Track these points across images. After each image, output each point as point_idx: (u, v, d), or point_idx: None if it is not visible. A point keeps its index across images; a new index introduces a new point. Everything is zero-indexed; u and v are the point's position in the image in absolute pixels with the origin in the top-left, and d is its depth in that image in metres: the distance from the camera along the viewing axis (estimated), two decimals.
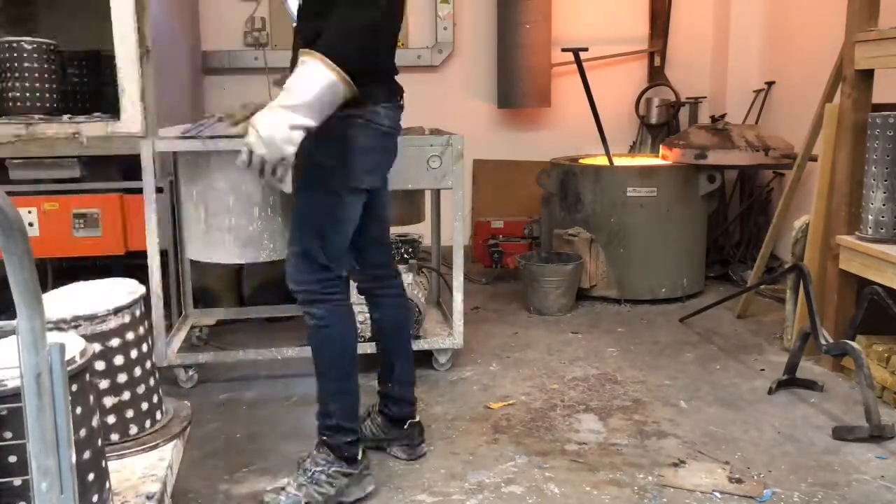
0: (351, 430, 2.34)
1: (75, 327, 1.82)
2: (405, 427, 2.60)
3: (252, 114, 2.04)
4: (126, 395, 1.92)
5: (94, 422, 1.48)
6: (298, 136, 2.00)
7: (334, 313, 2.32)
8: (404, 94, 2.41)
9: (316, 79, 1.98)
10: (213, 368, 3.41)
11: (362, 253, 2.51)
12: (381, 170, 2.40)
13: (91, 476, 1.44)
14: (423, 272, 3.67)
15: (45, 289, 1.74)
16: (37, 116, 3.64)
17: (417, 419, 2.64)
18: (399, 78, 2.40)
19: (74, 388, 1.39)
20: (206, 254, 3.18)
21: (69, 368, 1.32)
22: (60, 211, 3.60)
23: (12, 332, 1.07)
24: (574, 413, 2.95)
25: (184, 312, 3.71)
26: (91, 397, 1.48)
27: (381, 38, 2.21)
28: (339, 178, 2.25)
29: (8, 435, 1.29)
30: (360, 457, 2.35)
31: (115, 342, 1.88)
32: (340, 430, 2.32)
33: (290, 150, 1.99)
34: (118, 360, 1.89)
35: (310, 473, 2.29)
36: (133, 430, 1.92)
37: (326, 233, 2.27)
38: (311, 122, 2.00)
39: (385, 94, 2.29)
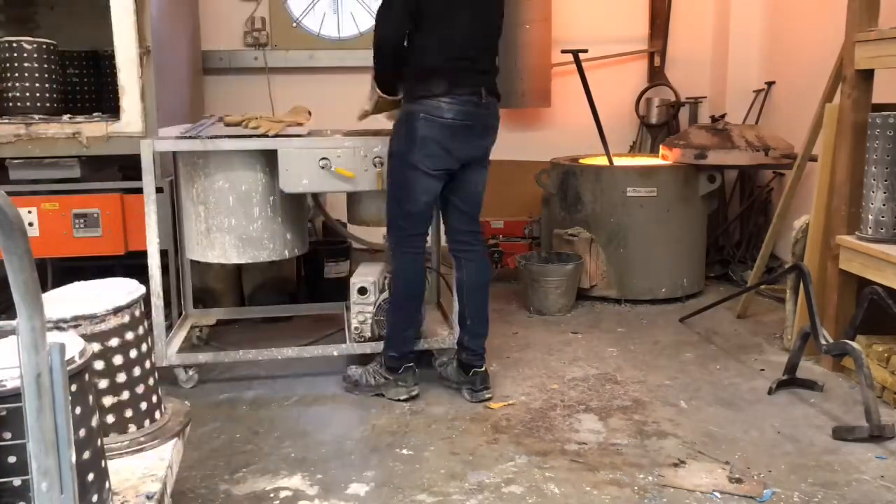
0: (393, 348, 3.09)
1: (75, 327, 1.81)
2: (470, 374, 3.11)
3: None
4: (125, 395, 1.92)
5: (94, 422, 1.48)
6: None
7: (403, 261, 3.04)
8: (483, 90, 2.95)
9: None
10: (213, 368, 3.41)
11: (446, 220, 3.18)
12: (446, 155, 2.93)
13: (91, 476, 1.44)
14: None
15: (45, 289, 1.74)
16: (37, 116, 3.64)
17: (483, 369, 3.13)
18: None
19: (74, 388, 1.39)
20: (206, 254, 3.18)
21: (69, 368, 1.31)
22: (60, 211, 3.60)
23: (12, 332, 1.07)
24: (574, 413, 2.95)
25: (184, 312, 3.71)
26: (90, 397, 1.48)
27: (428, 44, 2.90)
28: (404, 160, 2.92)
29: (8, 435, 1.29)
30: (400, 371, 3.07)
31: (114, 342, 1.88)
32: (387, 345, 3.12)
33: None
34: (117, 359, 1.89)
35: (368, 366, 3.16)
36: (132, 429, 1.92)
37: (399, 200, 2.98)
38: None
39: (444, 88, 2.85)
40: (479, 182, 3.16)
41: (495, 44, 3.10)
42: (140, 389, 1.95)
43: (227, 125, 3.16)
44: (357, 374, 3.16)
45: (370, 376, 3.12)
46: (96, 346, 1.83)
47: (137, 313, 1.97)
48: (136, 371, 1.94)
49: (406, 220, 3.00)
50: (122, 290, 1.96)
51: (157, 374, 2.05)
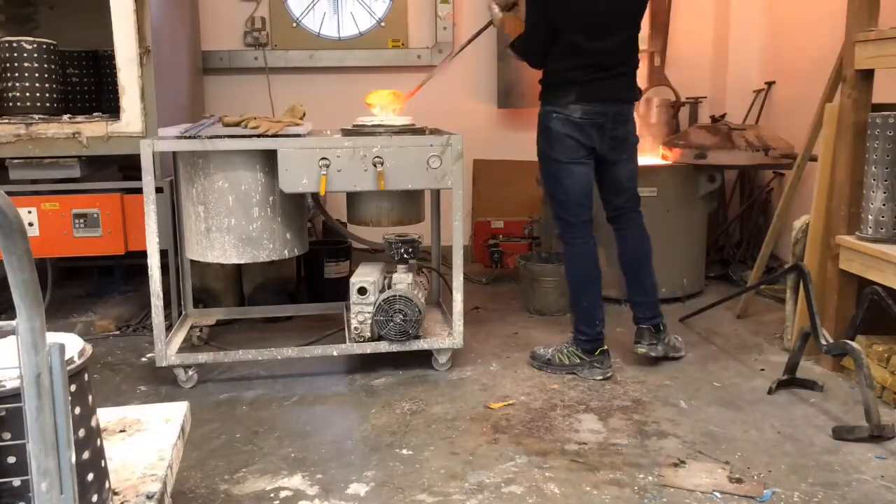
0: (583, 332, 3.30)
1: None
2: (644, 326, 3.44)
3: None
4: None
5: (94, 422, 1.48)
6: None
7: (571, 251, 3.34)
8: (598, 96, 3.23)
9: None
10: (213, 368, 3.41)
11: (605, 198, 3.48)
12: (580, 147, 3.25)
13: (90, 476, 1.44)
14: (423, 272, 3.67)
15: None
16: (37, 116, 3.64)
17: (646, 326, 3.43)
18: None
19: (74, 388, 1.38)
20: (206, 254, 3.18)
21: (68, 368, 1.31)
22: (60, 211, 3.60)
23: (12, 332, 1.07)
24: (574, 413, 2.96)
25: (184, 312, 3.71)
26: (90, 397, 1.48)
27: (566, 56, 3.23)
28: (549, 154, 3.34)
29: (7, 435, 1.29)
30: (595, 353, 3.27)
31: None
32: (577, 330, 3.32)
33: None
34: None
35: (560, 346, 3.37)
36: None
37: (554, 194, 3.35)
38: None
39: (575, 96, 3.21)
40: (621, 162, 3.38)
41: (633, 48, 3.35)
42: None
43: (226, 125, 3.16)
44: (548, 353, 3.34)
45: (564, 356, 3.30)
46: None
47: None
48: None
49: (566, 211, 3.31)
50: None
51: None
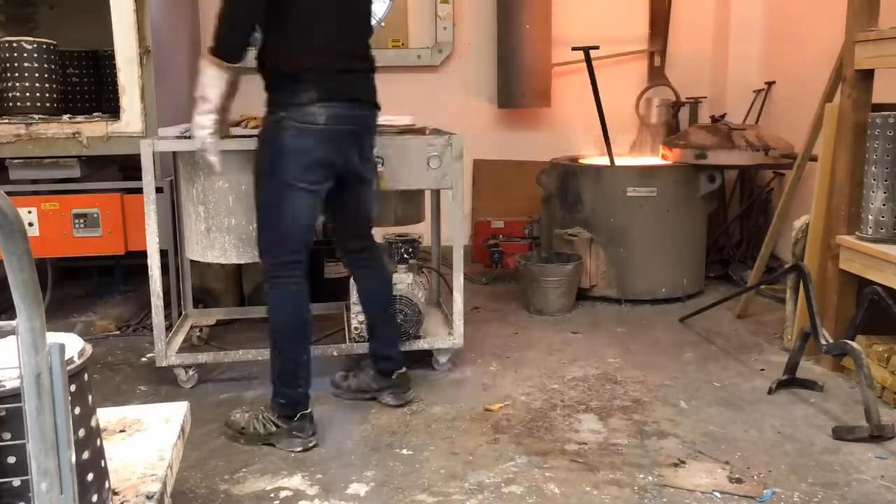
0: (282, 394, 2.70)
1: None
2: (393, 377, 3.02)
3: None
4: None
5: (93, 422, 1.48)
6: (206, 119, 2.61)
7: (277, 294, 2.65)
8: (361, 92, 2.70)
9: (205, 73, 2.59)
10: (213, 368, 3.41)
11: (337, 235, 2.99)
12: (324, 166, 2.61)
13: (90, 476, 1.44)
14: (423, 272, 3.67)
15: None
16: (37, 116, 3.64)
17: (404, 370, 3.04)
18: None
19: (73, 388, 1.38)
20: (206, 254, 3.18)
21: (68, 368, 1.31)
22: (60, 211, 3.60)
23: (12, 332, 1.07)
24: (574, 413, 2.95)
25: (184, 312, 3.71)
26: (90, 397, 1.48)
27: (303, 42, 2.54)
28: (274, 177, 2.58)
29: (7, 436, 1.29)
30: (295, 419, 2.68)
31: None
32: (276, 391, 2.71)
33: (201, 133, 2.62)
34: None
35: (255, 413, 2.74)
36: None
37: (268, 225, 2.64)
38: (211, 105, 2.59)
39: (317, 93, 2.52)
40: (359, 192, 2.86)
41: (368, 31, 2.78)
42: None
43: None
44: (243, 419, 2.73)
45: (259, 423, 2.69)
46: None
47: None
48: None
49: (275, 247, 2.65)
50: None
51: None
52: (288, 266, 2.63)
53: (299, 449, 2.66)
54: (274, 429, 2.69)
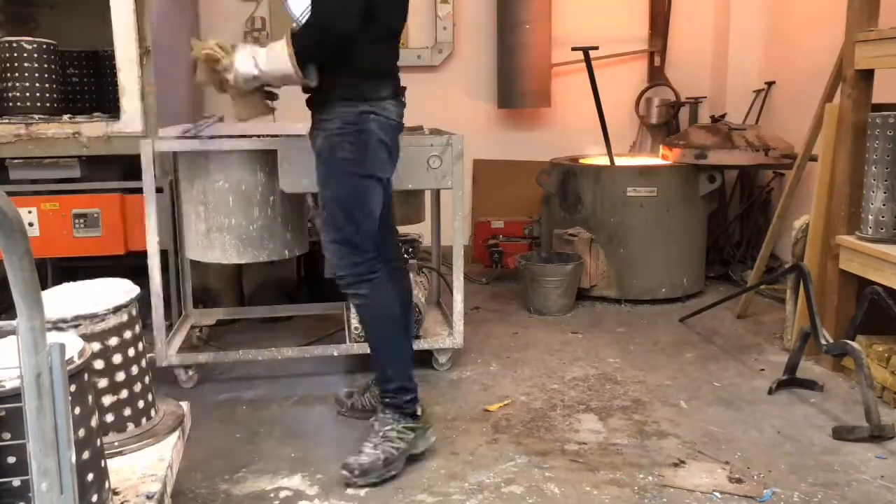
0: (410, 389, 2.58)
1: (75, 326, 1.82)
2: (421, 414, 2.73)
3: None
4: (124, 394, 1.92)
5: (93, 422, 1.48)
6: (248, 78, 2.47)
7: (376, 290, 2.53)
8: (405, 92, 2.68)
9: (280, 61, 2.40)
10: (213, 368, 3.41)
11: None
12: (393, 161, 2.60)
13: (90, 476, 1.44)
14: (423, 272, 3.67)
15: (45, 289, 1.75)
16: (37, 116, 3.64)
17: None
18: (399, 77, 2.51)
19: (73, 388, 1.39)
20: (206, 254, 3.18)
21: (68, 369, 1.31)
22: (60, 211, 3.59)
23: (12, 332, 1.07)
24: (574, 413, 2.95)
25: (184, 312, 3.71)
26: (90, 397, 1.48)
27: (372, 42, 2.45)
28: (361, 167, 2.47)
29: (7, 435, 1.29)
30: (419, 412, 2.59)
31: (113, 341, 1.89)
32: (401, 390, 2.56)
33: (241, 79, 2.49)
34: (117, 358, 1.90)
35: (381, 433, 2.51)
36: (130, 427, 1.93)
37: (358, 218, 2.48)
38: (262, 78, 2.47)
39: (390, 90, 2.51)
40: (392, 197, 2.81)
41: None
42: (137, 388, 1.96)
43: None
44: (376, 453, 2.46)
45: (396, 441, 2.49)
46: (96, 346, 1.83)
47: (134, 312, 1.98)
48: (134, 370, 1.95)
49: (365, 241, 2.51)
50: (118, 289, 1.97)
51: (151, 374, 2.06)
52: (377, 261, 2.53)
53: (433, 438, 2.60)
54: (412, 434, 2.52)
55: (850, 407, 2.96)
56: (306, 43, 2.37)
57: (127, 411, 1.93)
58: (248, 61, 2.43)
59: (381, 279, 2.53)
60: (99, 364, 1.85)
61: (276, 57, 2.38)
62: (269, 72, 2.42)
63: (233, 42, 2.58)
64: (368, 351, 3.18)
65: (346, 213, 2.47)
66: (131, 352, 1.94)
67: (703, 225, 4.53)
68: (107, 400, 1.88)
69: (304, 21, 2.45)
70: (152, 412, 2.02)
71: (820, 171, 3.45)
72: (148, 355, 2.09)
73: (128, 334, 1.92)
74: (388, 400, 2.56)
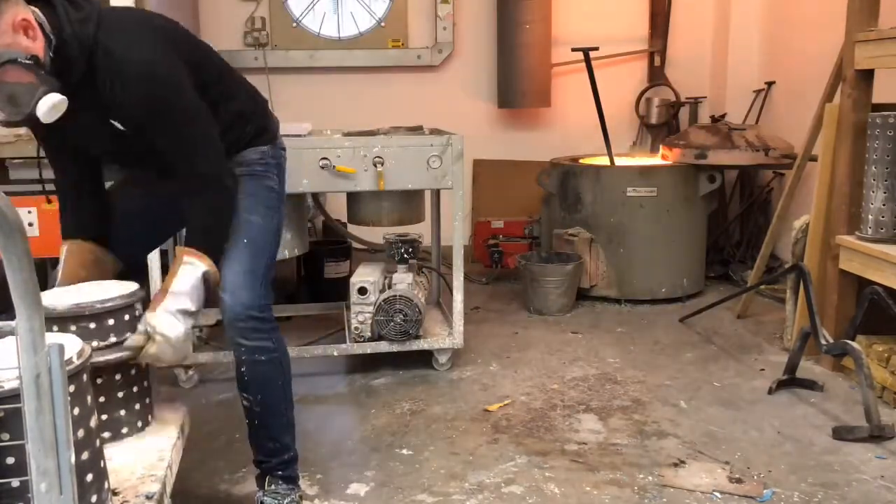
0: (297, 457, 2.28)
1: (82, 321, 1.83)
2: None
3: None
4: (135, 389, 1.94)
5: (93, 422, 1.48)
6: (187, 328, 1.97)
7: (280, 338, 2.28)
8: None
9: (193, 276, 1.98)
10: (213, 368, 3.40)
11: None
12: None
13: (90, 476, 1.44)
14: (423, 272, 3.67)
15: (44, 289, 1.76)
16: None
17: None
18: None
19: (72, 388, 1.39)
20: None
21: (67, 369, 1.31)
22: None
23: (11, 332, 1.07)
24: (574, 413, 2.95)
25: None
26: (89, 398, 1.48)
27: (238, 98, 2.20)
28: (279, 200, 2.26)
29: (6, 436, 1.29)
30: (299, 480, 2.31)
31: (113, 339, 1.90)
32: (295, 459, 2.27)
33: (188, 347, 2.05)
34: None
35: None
36: (138, 424, 1.95)
37: (273, 257, 2.28)
38: (194, 310, 1.99)
39: (270, 133, 2.28)
40: None
41: None
42: (136, 389, 1.97)
43: None
44: None
45: None
46: (97, 343, 1.84)
47: (137, 313, 1.98)
48: (133, 370, 1.96)
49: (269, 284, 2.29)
50: (123, 289, 1.97)
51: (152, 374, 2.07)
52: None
53: None
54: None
55: (850, 407, 2.96)
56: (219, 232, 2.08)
57: (138, 405, 1.95)
58: (172, 319, 1.93)
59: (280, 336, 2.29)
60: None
61: (197, 286, 1.99)
62: (199, 299, 2.01)
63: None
64: (368, 350, 3.13)
65: (270, 245, 2.28)
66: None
67: (703, 225, 4.53)
68: (115, 395, 1.90)
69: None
70: (149, 417, 2.02)
71: (820, 171, 3.45)
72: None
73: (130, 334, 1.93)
74: (281, 473, 2.23)
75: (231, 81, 2.24)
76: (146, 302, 1.99)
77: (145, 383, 2.00)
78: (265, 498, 2.22)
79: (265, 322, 2.20)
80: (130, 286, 1.99)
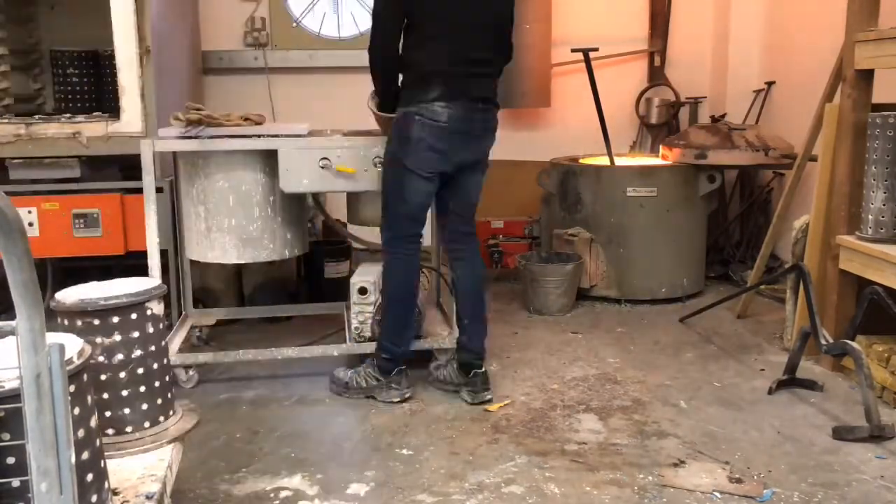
0: (389, 351, 3.04)
1: (100, 317, 1.84)
2: (471, 375, 3.07)
3: None
4: (142, 388, 1.94)
5: (93, 422, 1.48)
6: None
7: (393, 261, 3.01)
8: (487, 100, 2.98)
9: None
10: (213, 368, 3.41)
11: (443, 222, 3.17)
12: (441, 159, 2.90)
13: (90, 476, 1.44)
14: (423, 272, 3.66)
15: (44, 289, 1.77)
16: (37, 116, 3.64)
17: (483, 370, 3.09)
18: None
19: (73, 388, 1.39)
20: (206, 254, 3.18)
21: (68, 369, 1.31)
22: (60, 211, 3.59)
23: (12, 332, 1.07)
24: (574, 413, 2.95)
25: (184, 312, 3.70)
26: (89, 397, 1.48)
27: (416, 49, 2.89)
28: (399, 162, 2.89)
29: (7, 436, 1.29)
30: (392, 373, 3.03)
31: (135, 334, 1.90)
32: (381, 347, 3.06)
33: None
34: (137, 352, 1.91)
35: (360, 368, 3.11)
36: (147, 424, 1.96)
37: (392, 202, 2.97)
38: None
39: (438, 92, 2.82)
40: (473, 185, 3.14)
41: (502, 41, 3.07)
42: (157, 384, 1.98)
43: (190, 123, 3.08)
44: (346, 376, 3.11)
45: (361, 378, 3.08)
46: (118, 337, 1.85)
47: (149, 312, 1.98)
48: (155, 365, 1.97)
49: (395, 223, 2.99)
50: (146, 284, 1.98)
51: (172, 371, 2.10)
52: (404, 239, 2.98)
53: (397, 399, 3.03)
54: (375, 382, 3.05)
55: (850, 407, 2.96)
56: (377, 89, 3.03)
57: (144, 406, 1.96)
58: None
59: (401, 256, 2.99)
60: (119, 357, 1.88)
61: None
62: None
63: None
64: (368, 350, 3.20)
65: (386, 196, 2.98)
66: (153, 347, 1.96)
67: (703, 225, 4.53)
68: (124, 392, 1.91)
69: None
70: (171, 411, 2.05)
71: (820, 171, 3.45)
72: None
73: (150, 329, 1.95)
74: (375, 361, 3.07)
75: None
76: (166, 297, 2.15)
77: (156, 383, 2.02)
78: (367, 360, 3.15)
79: (383, 244, 3.05)
80: (147, 283, 2.01)
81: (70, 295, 1.88)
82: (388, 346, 3.05)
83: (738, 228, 5.25)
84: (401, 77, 2.97)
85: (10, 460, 1.30)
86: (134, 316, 1.92)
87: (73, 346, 1.48)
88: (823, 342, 2.99)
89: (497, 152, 3.24)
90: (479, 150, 3.05)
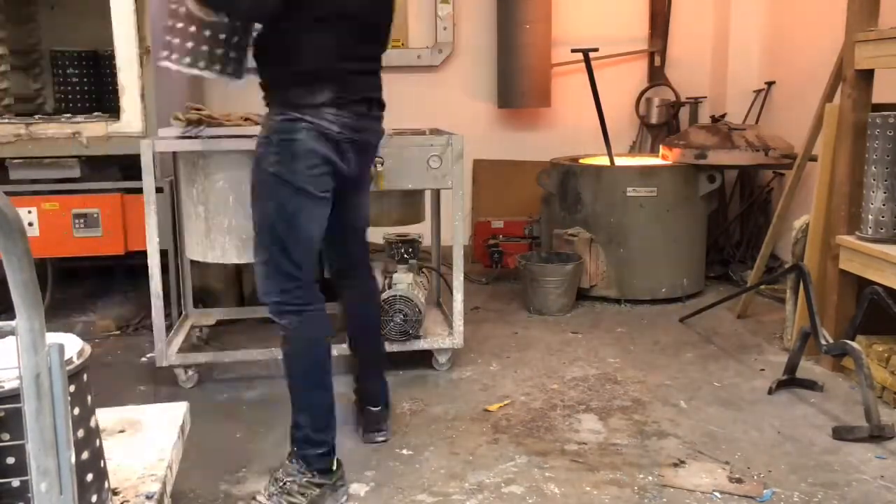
0: (321, 443, 2.31)
1: None
2: (364, 413, 2.75)
3: None
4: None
5: (93, 422, 1.48)
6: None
7: (303, 326, 2.28)
8: (378, 102, 2.45)
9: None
10: (213, 368, 3.41)
11: (329, 253, 2.68)
12: (334, 174, 2.31)
13: (90, 476, 1.44)
14: (423, 272, 3.66)
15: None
16: (37, 116, 3.64)
17: (377, 408, 2.74)
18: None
19: (72, 388, 1.38)
20: (206, 254, 3.18)
21: (67, 369, 1.31)
22: (60, 211, 3.60)
23: (11, 332, 1.07)
24: (574, 413, 2.95)
25: (184, 312, 3.71)
26: (89, 398, 1.48)
27: (304, 34, 2.23)
28: (286, 183, 2.24)
29: (6, 436, 1.29)
30: (333, 468, 2.33)
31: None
32: (308, 441, 2.30)
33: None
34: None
35: (281, 483, 2.27)
36: None
37: (283, 237, 2.25)
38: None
39: (329, 96, 2.24)
40: (364, 205, 2.65)
41: (388, 33, 2.50)
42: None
43: (190, 123, 3.09)
44: (271, 499, 2.26)
45: (296, 494, 2.26)
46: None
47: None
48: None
49: (297, 265, 2.28)
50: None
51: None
52: (304, 290, 2.29)
53: (345, 498, 2.34)
54: (317, 490, 2.28)
55: (850, 407, 2.96)
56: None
57: None
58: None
59: (312, 315, 2.29)
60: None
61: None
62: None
63: None
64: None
65: (268, 233, 2.26)
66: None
67: (703, 225, 4.53)
68: None
69: None
70: None
71: (820, 171, 3.45)
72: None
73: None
74: (295, 449, 2.31)
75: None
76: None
77: None
78: (279, 470, 2.33)
79: (277, 306, 2.31)
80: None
81: None
82: (317, 438, 2.30)
83: (738, 228, 5.25)
84: (271, 72, 2.33)
85: (10, 460, 1.30)
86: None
87: (73, 346, 1.47)
88: (823, 342, 2.99)
89: (497, 152, 3.24)
90: (367, 161, 2.52)
